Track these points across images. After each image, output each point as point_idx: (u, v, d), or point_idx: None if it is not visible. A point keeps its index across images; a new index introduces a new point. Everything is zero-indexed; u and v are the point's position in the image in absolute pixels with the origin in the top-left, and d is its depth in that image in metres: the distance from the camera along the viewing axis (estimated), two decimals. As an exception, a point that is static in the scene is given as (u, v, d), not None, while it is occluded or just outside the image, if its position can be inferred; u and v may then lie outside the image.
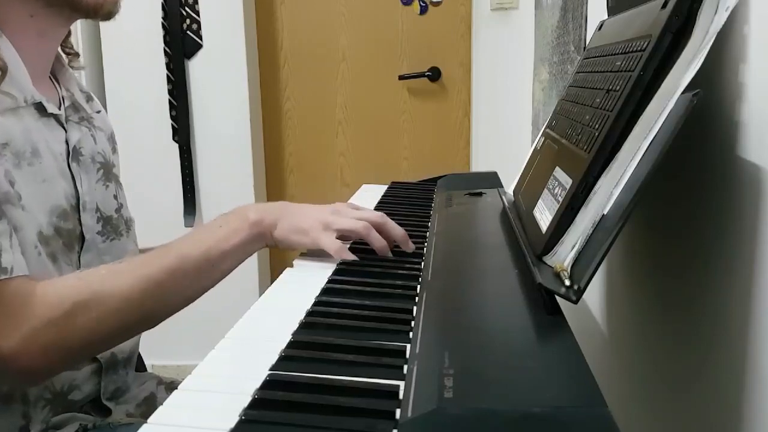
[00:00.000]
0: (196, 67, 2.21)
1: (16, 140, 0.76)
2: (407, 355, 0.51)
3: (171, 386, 0.96)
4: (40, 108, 0.80)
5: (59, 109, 0.84)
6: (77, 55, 0.95)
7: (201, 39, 2.20)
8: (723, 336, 0.56)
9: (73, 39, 0.94)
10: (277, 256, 2.50)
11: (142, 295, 0.72)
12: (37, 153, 0.78)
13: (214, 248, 0.76)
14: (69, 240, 0.81)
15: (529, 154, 0.91)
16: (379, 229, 0.79)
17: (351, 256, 0.76)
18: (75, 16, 0.84)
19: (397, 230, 0.80)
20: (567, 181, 0.61)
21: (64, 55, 0.92)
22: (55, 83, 0.88)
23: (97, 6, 0.82)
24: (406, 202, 1.07)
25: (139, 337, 0.96)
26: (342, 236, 0.80)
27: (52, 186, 0.79)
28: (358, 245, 0.80)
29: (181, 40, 2.18)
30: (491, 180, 1.13)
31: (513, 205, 0.89)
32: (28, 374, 0.71)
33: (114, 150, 0.97)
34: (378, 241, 0.78)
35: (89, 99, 0.93)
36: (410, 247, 0.80)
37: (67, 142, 0.84)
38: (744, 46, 0.53)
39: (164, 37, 2.18)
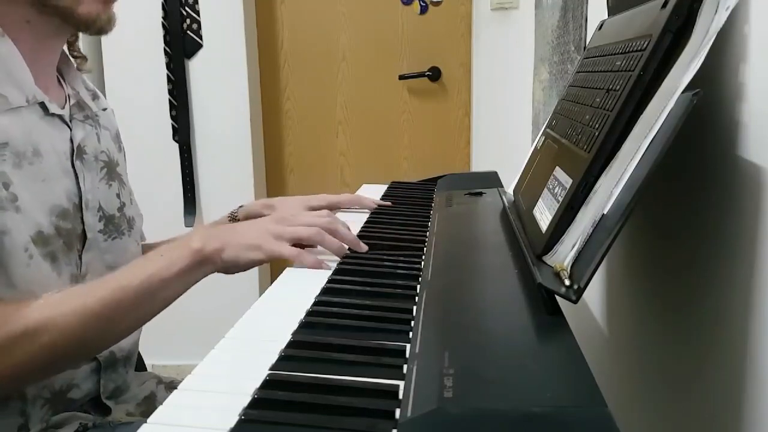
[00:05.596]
0: (196, 67, 2.21)
1: (17, 140, 0.76)
2: (407, 355, 0.51)
3: (171, 386, 0.96)
4: (43, 107, 0.81)
5: (64, 107, 0.84)
6: (85, 58, 0.95)
7: (201, 39, 2.20)
8: (723, 336, 0.56)
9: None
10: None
11: (80, 327, 0.71)
12: (38, 152, 0.78)
13: (154, 277, 0.74)
14: (69, 239, 0.81)
15: (529, 154, 0.91)
16: (331, 233, 0.79)
17: (312, 258, 0.76)
18: (67, 27, 0.82)
19: (347, 233, 0.81)
20: (567, 180, 0.61)
21: (71, 57, 0.92)
22: (62, 81, 0.88)
23: (89, 21, 0.80)
24: (406, 202, 1.07)
25: (139, 336, 0.96)
26: (295, 243, 0.78)
27: (53, 185, 0.79)
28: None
29: (181, 40, 2.18)
30: (491, 180, 1.13)
31: (513, 204, 0.89)
32: None
33: (119, 149, 0.97)
34: (333, 243, 0.78)
35: (95, 97, 0.93)
36: (362, 248, 0.80)
37: (71, 141, 0.84)
38: (744, 46, 0.53)
39: (164, 36, 2.18)
